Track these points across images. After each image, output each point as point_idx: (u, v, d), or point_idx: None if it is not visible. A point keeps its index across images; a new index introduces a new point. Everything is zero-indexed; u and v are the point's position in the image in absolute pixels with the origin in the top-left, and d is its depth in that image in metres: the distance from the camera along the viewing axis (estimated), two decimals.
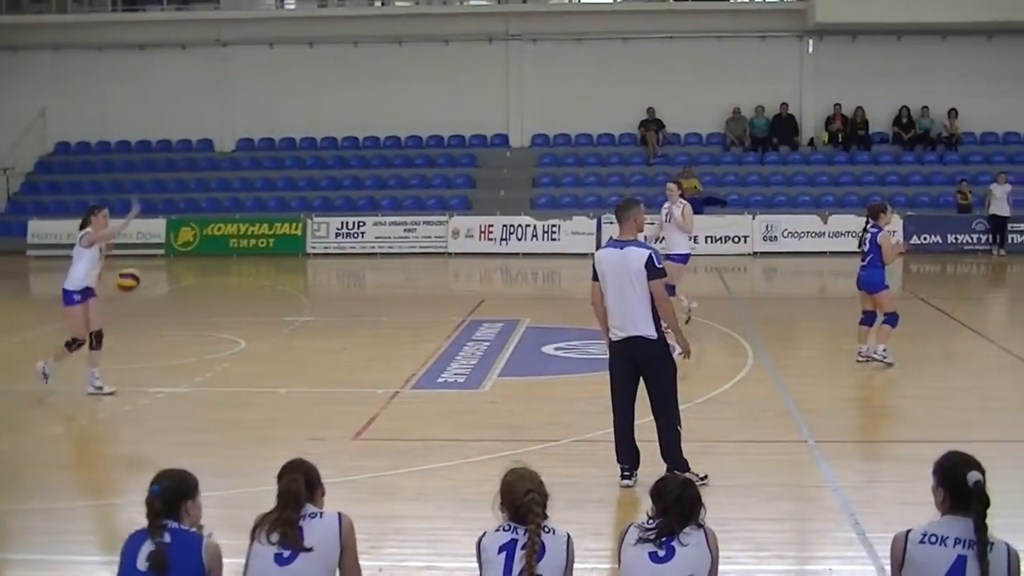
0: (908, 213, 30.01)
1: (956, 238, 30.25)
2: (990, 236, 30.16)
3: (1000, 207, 29.81)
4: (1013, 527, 8.99)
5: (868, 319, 15.62)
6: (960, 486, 5.27)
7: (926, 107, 33.35)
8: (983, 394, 14.22)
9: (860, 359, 15.55)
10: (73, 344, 14.30)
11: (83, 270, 14.20)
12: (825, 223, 30.00)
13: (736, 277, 27.22)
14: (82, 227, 14.35)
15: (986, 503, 5.23)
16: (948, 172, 32.55)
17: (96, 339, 14.25)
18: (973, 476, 5.26)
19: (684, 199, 18.56)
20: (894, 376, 15.30)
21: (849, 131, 33.53)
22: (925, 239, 29.95)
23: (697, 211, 30.06)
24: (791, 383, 14.55)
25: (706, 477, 10.04)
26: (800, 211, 31.04)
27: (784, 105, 33.48)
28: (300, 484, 5.94)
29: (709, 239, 29.87)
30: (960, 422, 12.81)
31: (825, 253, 29.19)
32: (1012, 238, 30.12)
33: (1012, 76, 32.88)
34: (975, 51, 33.15)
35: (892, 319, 15.47)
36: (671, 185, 18.65)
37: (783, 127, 33.60)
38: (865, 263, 15.42)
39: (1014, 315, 22.66)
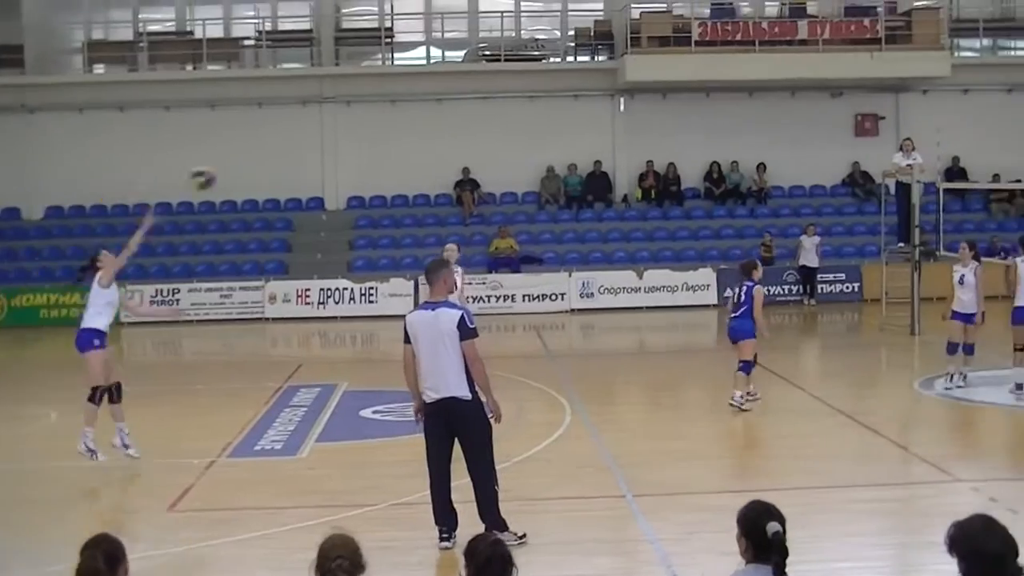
0: (721, 267, 30.61)
1: (768, 290, 30.85)
2: (800, 287, 30.95)
3: (809, 258, 30.62)
4: (824, 571, 9.20)
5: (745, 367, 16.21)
6: (761, 535, 5.32)
7: (735, 162, 34.16)
8: (796, 442, 14.49)
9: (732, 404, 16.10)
10: (95, 395, 13.56)
11: (106, 314, 13.74)
12: (640, 278, 30.42)
13: (554, 335, 27.41)
14: (84, 272, 14.35)
15: (784, 553, 5.29)
16: (759, 225, 33.30)
17: (116, 391, 13.77)
18: (772, 527, 5.30)
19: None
20: (708, 427, 15.54)
21: (662, 187, 34.09)
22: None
23: (514, 269, 30.58)
24: (609, 438, 14.65)
25: (524, 536, 10.02)
26: (616, 267, 31.39)
27: (598, 163, 33.93)
28: (99, 561, 5.71)
29: (527, 297, 30.08)
30: (775, 470, 13.03)
31: (641, 308, 29.60)
32: (821, 288, 30.94)
33: (816, 131, 33.91)
34: (781, 107, 34.10)
35: (747, 367, 16.08)
36: (450, 247, 18.68)
37: (597, 184, 34.02)
38: (737, 314, 16.15)
39: (824, 363, 23.26)
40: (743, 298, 16.17)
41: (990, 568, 4.77)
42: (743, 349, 16.16)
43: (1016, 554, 4.82)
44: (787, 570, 5.28)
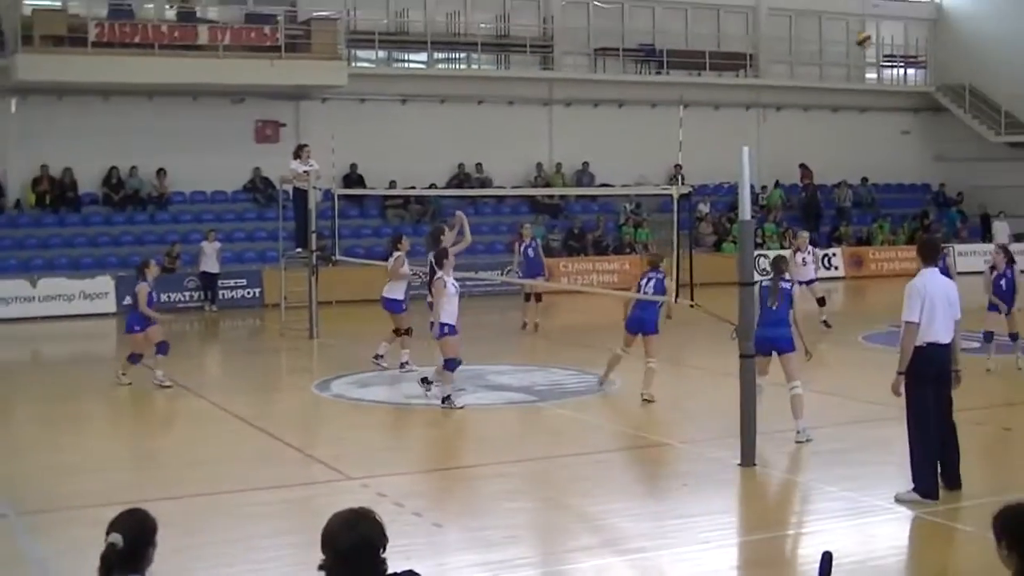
0: (120, 274, 29.68)
1: (169, 296, 30.38)
2: (202, 292, 30.71)
3: (210, 264, 30.47)
4: None
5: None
6: None
7: (135, 167, 33.39)
8: (193, 448, 14.31)
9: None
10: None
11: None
12: (35, 287, 29.06)
13: None
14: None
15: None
16: (159, 231, 32.74)
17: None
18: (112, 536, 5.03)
19: None
20: (105, 440, 15.00)
21: (58, 192, 32.76)
22: None
23: None
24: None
25: None
26: (8, 275, 29.75)
27: None
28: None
29: None
30: (168, 479, 12.76)
31: (36, 318, 28.29)
32: (223, 294, 30.87)
33: (217, 136, 33.71)
34: (182, 112, 33.68)
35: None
36: None
37: None
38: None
39: (226, 369, 23.16)
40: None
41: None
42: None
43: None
44: None
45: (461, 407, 16.07)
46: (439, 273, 16.16)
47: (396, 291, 19.66)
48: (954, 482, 11.29)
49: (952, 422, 11.30)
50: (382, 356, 19.71)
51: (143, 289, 18.37)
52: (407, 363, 19.35)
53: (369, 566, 4.78)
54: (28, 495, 11.90)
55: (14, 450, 14.59)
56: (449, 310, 15.97)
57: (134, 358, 18.44)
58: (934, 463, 11.12)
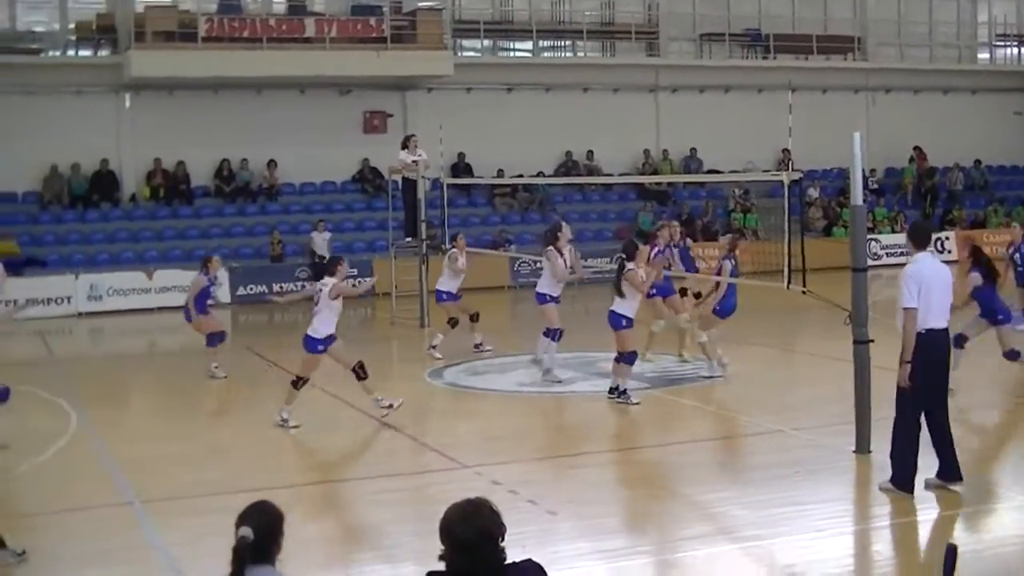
0: (233, 265, 30.31)
1: (281, 286, 30.85)
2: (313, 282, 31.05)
3: (321, 253, 30.81)
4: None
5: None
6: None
7: (245, 159, 33.88)
8: (309, 438, 14.48)
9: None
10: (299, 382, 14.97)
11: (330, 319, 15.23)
12: (151, 279, 29.63)
13: (60, 340, 26.19)
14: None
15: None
16: (270, 222, 33.19)
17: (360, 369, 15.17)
18: (243, 531, 5.11)
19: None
20: (216, 430, 15.25)
21: (171, 185, 33.36)
22: (251, 289, 30.36)
23: (16, 272, 29.03)
24: (116, 444, 14.14)
25: (24, 552, 9.47)
26: (124, 268, 30.37)
27: (104, 161, 32.78)
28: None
29: (30, 302, 28.57)
30: (283, 467, 12.94)
31: (152, 310, 28.83)
32: None
33: (325, 128, 34.19)
34: (290, 104, 34.13)
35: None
36: None
37: (103, 183, 32.86)
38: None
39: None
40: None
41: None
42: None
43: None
44: None
45: (637, 403, 15.71)
46: (629, 266, 15.86)
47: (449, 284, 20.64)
48: (955, 474, 10.97)
49: (947, 411, 11.01)
50: (480, 344, 20.35)
51: (198, 282, 19.04)
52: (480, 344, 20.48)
53: (488, 556, 4.83)
54: (150, 483, 12.15)
55: (134, 439, 14.88)
56: (633, 304, 15.84)
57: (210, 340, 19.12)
58: (915, 455, 10.84)
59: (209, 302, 19.26)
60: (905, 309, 10.67)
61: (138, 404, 18.58)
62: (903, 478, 10.87)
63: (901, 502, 10.81)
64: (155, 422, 16.51)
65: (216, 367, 18.77)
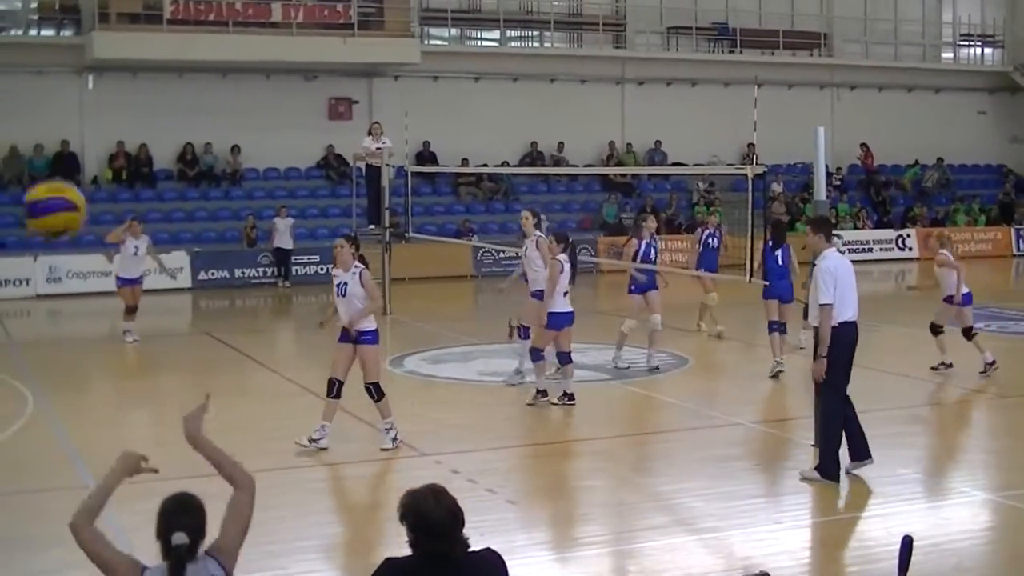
0: (195, 249, 30.18)
1: (243, 272, 30.78)
2: (275, 268, 30.99)
3: (283, 240, 30.76)
4: (282, 552, 9.18)
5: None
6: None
7: (209, 144, 33.70)
8: (269, 424, 14.44)
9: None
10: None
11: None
12: (111, 262, 29.29)
13: (18, 322, 26.06)
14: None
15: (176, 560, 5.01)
16: (233, 207, 33.05)
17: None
18: (177, 538, 5.02)
19: None
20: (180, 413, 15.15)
21: (133, 168, 33.14)
22: (212, 274, 30.25)
23: None
24: (74, 428, 14.06)
25: None
26: (84, 250, 30.11)
27: (65, 142, 32.51)
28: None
29: None
30: (245, 452, 12.86)
31: (113, 292, 28.57)
32: (296, 270, 31.14)
33: (290, 114, 34.09)
34: (255, 89, 33.99)
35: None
36: None
37: (65, 165, 32.52)
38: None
39: (299, 345, 23.33)
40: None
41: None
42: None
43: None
44: None
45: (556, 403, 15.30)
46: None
47: None
48: (865, 454, 11.34)
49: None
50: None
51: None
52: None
53: (457, 540, 4.83)
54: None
55: (93, 422, 14.81)
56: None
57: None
58: (840, 445, 11.20)
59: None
60: (823, 305, 11.00)
61: (97, 387, 18.47)
62: (832, 468, 11.13)
63: (858, 496, 10.87)
64: (114, 405, 16.42)
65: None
